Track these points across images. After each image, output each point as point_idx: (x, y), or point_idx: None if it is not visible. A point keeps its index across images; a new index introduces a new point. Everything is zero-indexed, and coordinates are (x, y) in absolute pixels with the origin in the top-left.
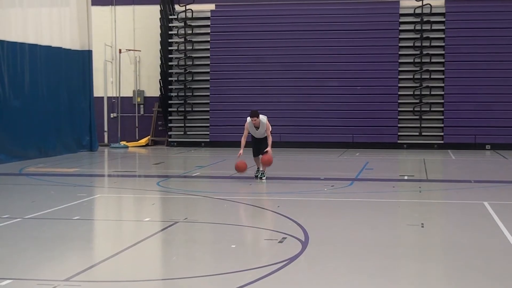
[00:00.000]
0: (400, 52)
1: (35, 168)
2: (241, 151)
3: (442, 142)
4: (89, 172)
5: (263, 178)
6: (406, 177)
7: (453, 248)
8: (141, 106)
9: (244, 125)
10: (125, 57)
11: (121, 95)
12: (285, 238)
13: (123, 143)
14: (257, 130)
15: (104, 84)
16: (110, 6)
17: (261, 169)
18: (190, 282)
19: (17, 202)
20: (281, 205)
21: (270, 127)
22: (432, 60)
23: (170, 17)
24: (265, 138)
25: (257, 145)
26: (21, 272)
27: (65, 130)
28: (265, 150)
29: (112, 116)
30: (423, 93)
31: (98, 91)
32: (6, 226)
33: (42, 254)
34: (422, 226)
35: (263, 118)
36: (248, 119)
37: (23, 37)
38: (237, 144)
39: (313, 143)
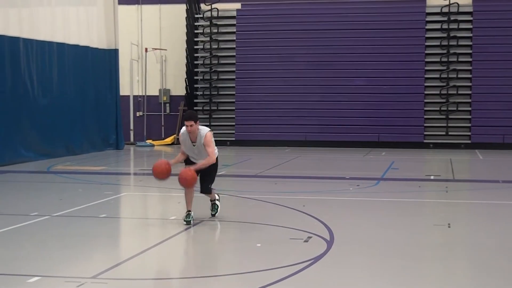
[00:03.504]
0: (426, 51)
1: (62, 166)
2: (172, 161)
3: (469, 142)
4: (115, 171)
5: (215, 214)
6: (432, 177)
7: (480, 249)
8: (167, 104)
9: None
10: (151, 56)
11: (147, 94)
12: (310, 237)
13: (149, 141)
14: (194, 145)
15: (130, 83)
16: (137, 5)
17: (210, 199)
18: (216, 280)
19: (45, 200)
20: (307, 204)
21: (213, 144)
22: (459, 60)
23: (196, 16)
24: (209, 168)
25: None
26: (49, 269)
27: (91, 129)
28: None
29: (138, 115)
30: (450, 92)
31: (124, 90)
32: (34, 223)
33: (70, 251)
34: (449, 227)
35: (203, 129)
36: (183, 128)
37: (51, 36)
38: (263, 143)
39: (338, 142)
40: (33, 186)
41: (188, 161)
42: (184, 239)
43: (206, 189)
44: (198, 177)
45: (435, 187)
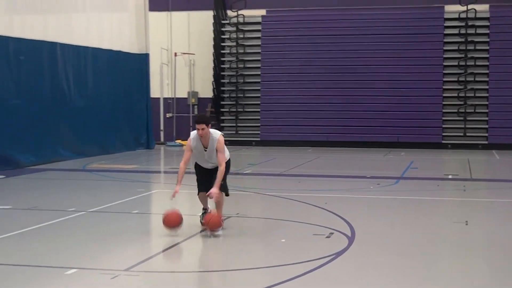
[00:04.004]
0: (444, 56)
1: (97, 165)
2: (177, 188)
3: (486, 142)
4: (146, 169)
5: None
6: (450, 176)
7: (496, 246)
8: (195, 106)
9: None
10: (180, 60)
11: (176, 96)
12: (332, 233)
13: (178, 141)
14: (205, 150)
15: (160, 86)
16: (166, 11)
17: (208, 209)
18: (242, 273)
19: (82, 196)
20: (329, 201)
21: (225, 149)
22: (477, 63)
23: (222, 22)
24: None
25: (207, 177)
26: (85, 261)
27: (124, 129)
28: (209, 192)
29: (167, 116)
30: (467, 95)
31: (154, 92)
32: (71, 218)
33: (104, 245)
34: (466, 224)
35: (215, 132)
36: (193, 133)
37: (86, 41)
38: (287, 144)
39: (359, 142)
40: (70, 183)
41: (197, 166)
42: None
43: (223, 188)
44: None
45: (453, 186)
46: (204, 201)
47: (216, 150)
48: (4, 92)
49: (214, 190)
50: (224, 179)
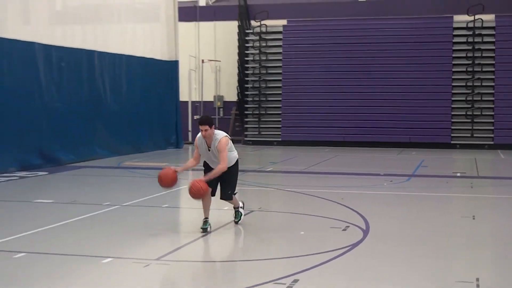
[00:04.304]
0: (453, 62)
1: (130, 162)
2: (178, 169)
3: (492, 143)
4: (175, 166)
5: (238, 221)
6: (458, 174)
7: (502, 239)
8: (221, 109)
9: None
10: (207, 66)
11: (203, 100)
12: (348, 226)
13: None
14: (209, 150)
15: (189, 90)
16: (194, 22)
17: (234, 207)
18: (265, 263)
19: (116, 191)
20: (345, 197)
21: (225, 150)
22: (483, 69)
23: (246, 31)
24: (228, 173)
25: (214, 179)
26: (120, 251)
27: (155, 130)
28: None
29: (195, 118)
30: (475, 98)
31: (183, 96)
32: (107, 212)
33: (137, 236)
34: (473, 218)
35: (219, 133)
36: (200, 133)
37: (121, 49)
38: (306, 143)
39: (373, 142)
40: (106, 179)
41: (206, 165)
42: (236, 227)
43: (225, 196)
44: (217, 184)
45: (461, 183)
46: (206, 208)
47: (217, 150)
48: (47, 96)
49: (206, 177)
50: (232, 184)
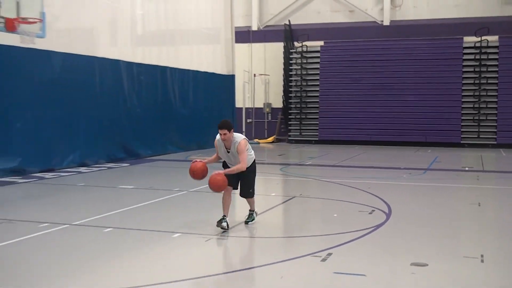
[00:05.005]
0: (463, 76)
1: (195, 157)
2: (204, 161)
3: (495, 142)
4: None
5: (248, 222)
6: (467, 168)
7: (504, 223)
8: (269, 114)
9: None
10: (258, 79)
11: (254, 106)
12: (374, 210)
13: (256, 140)
14: (228, 152)
15: (243, 98)
16: (248, 43)
17: (249, 209)
18: (305, 239)
19: (184, 180)
20: (371, 186)
21: (245, 152)
22: (488, 82)
23: (290, 50)
24: (248, 173)
25: (232, 175)
26: (187, 227)
27: (215, 130)
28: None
29: (248, 121)
30: (481, 106)
31: (238, 103)
32: (177, 196)
33: (201, 216)
34: (479, 205)
35: (238, 136)
36: (218, 135)
37: (188, 65)
38: (338, 142)
39: (395, 142)
40: (176, 170)
41: (225, 165)
42: (281, 210)
43: (246, 194)
44: (237, 183)
45: (469, 176)
46: (225, 206)
47: (237, 152)
48: (130, 103)
49: (224, 171)
50: (251, 183)
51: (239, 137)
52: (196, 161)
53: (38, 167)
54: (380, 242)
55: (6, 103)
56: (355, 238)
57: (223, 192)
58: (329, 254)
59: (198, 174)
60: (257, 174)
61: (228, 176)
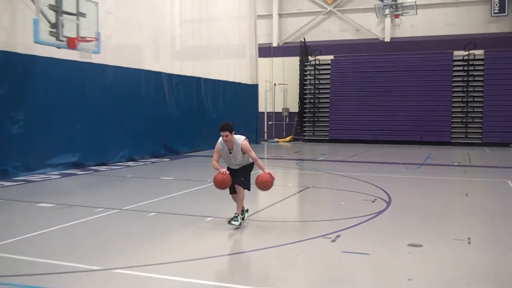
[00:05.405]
0: (453, 84)
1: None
2: (222, 170)
3: (481, 141)
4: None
5: (233, 222)
6: (456, 163)
7: (488, 210)
8: (287, 117)
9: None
10: (277, 88)
11: (274, 111)
12: (376, 199)
13: (276, 139)
14: (230, 153)
15: (265, 104)
16: (269, 57)
17: (235, 211)
18: (316, 223)
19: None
20: (374, 179)
21: (251, 150)
22: (475, 89)
23: (305, 63)
24: (244, 168)
25: (234, 177)
26: (217, 212)
27: (241, 131)
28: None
29: (269, 123)
30: (468, 110)
31: (261, 108)
32: (209, 186)
33: (228, 203)
34: (467, 195)
35: (239, 138)
36: (220, 138)
37: (219, 76)
38: (346, 141)
39: (394, 141)
40: (208, 164)
41: (228, 168)
42: (296, 199)
43: (238, 181)
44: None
45: (458, 170)
46: (239, 204)
47: (243, 153)
48: (170, 109)
49: (264, 172)
50: (247, 176)
51: (241, 138)
52: (223, 173)
53: (94, 162)
54: (381, 226)
55: (67, 108)
56: (360, 222)
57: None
58: (338, 236)
59: (226, 186)
60: (276, 168)
61: (232, 176)
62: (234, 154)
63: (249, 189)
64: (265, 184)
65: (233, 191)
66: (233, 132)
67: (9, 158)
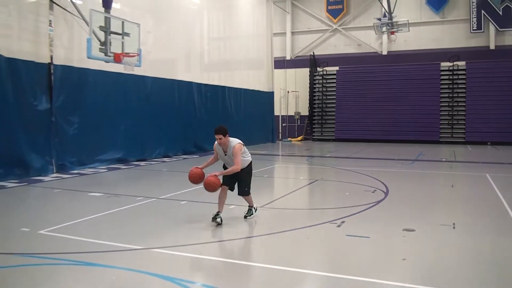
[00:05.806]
0: (441, 91)
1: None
2: (200, 166)
3: (464, 140)
4: (272, 153)
5: (247, 217)
6: (443, 159)
7: (471, 199)
8: (298, 119)
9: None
10: (290, 94)
11: (288, 114)
12: (375, 190)
13: (289, 138)
14: (225, 154)
15: (280, 108)
16: (284, 69)
17: (248, 205)
18: (324, 211)
19: None
20: (374, 173)
21: (239, 155)
22: (459, 95)
23: (314, 74)
24: (245, 173)
25: (230, 176)
26: (241, 202)
27: (260, 131)
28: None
29: (283, 125)
30: (454, 113)
31: (276, 112)
32: None
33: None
34: (452, 186)
35: (233, 141)
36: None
37: (240, 85)
38: (350, 140)
39: (391, 140)
40: None
41: (224, 166)
42: (307, 189)
43: (242, 192)
44: (233, 183)
45: (445, 165)
46: (220, 203)
47: (232, 155)
48: (199, 113)
49: (218, 172)
50: (249, 184)
51: (235, 141)
52: (194, 168)
53: (135, 157)
54: (380, 214)
55: (113, 113)
56: (361, 210)
57: (219, 190)
58: (343, 222)
59: (195, 179)
60: (289, 163)
61: (224, 177)
62: (229, 155)
63: (248, 194)
64: (210, 188)
65: (228, 188)
66: (227, 135)
67: (67, 155)
